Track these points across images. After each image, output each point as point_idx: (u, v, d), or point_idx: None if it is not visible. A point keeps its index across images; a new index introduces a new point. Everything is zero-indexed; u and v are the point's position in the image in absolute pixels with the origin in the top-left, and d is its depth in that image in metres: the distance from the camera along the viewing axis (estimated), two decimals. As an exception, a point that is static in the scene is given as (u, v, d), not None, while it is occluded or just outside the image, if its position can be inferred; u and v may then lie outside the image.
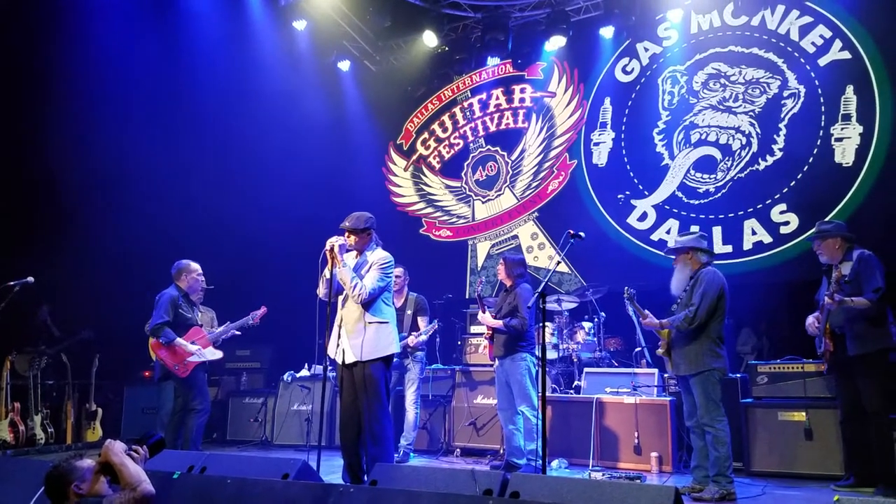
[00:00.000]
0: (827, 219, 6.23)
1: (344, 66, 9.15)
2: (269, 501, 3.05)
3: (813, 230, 4.74)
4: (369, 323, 4.20)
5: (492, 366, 6.28)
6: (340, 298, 4.37)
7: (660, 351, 4.71)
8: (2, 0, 6.58)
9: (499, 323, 5.25)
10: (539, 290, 3.67)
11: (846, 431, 4.53)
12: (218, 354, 5.51)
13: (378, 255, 4.32)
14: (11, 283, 5.49)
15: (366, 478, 4.08)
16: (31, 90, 7.00)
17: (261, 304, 5.81)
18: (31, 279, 5.48)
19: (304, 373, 7.25)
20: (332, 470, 4.97)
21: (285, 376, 7.25)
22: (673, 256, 4.77)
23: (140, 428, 7.24)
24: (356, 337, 4.19)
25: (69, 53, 6.97)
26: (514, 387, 5.19)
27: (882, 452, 4.29)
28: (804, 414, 4.98)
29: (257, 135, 8.48)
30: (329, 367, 7.23)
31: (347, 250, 4.38)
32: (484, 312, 5.46)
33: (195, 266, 5.54)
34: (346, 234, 4.34)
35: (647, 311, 4.64)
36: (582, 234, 3.91)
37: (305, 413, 6.85)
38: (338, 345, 4.29)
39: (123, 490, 2.57)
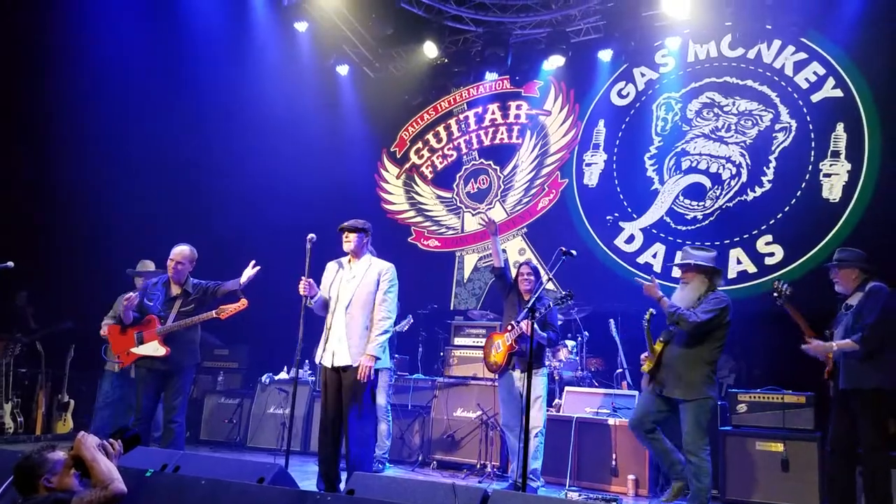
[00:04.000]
0: (807, 257, 6.37)
1: (343, 70, 9.16)
2: (244, 505, 2.99)
3: (833, 256, 4.57)
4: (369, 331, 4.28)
5: (474, 378, 6.28)
6: (337, 304, 4.31)
7: (645, 367, 4.53)
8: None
9: (542, 334, 4.95)
10: (529, 305, 3.66)
11: (829, 464, 4.47)
12: (159, 352, 4.78)
13: (382, 270, 4.36)
14: (-8, 266, 5.38)
15: (342, 486, 4.05)
16: (24, 85, 6.95)
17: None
18: (10, 263, 5.33)
19: (283, 375, 7.17)
20: (305, 476, 4.91)
21: (263, 378, 7.17)
22: (683, 270, 4.48)
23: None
24: (361, 344, 4.20)
25: (66, 42, 6.92)
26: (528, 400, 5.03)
27: (876, 491, 4.14)
28: (782, 445, 5.00)
29: (251, 132, 8.44)
30: (310, 372, 7.19)
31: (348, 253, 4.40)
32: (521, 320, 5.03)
33: (173, 250, 5.04)
34: (345, 232, 4.37)
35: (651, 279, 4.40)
36: (574, 251, 3.92)
37: (282, 417, 6.77)
38: (325, 349, 4.27)
39: (94, 487, 2.51)
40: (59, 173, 7.12)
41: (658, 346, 4.44)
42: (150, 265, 5.73)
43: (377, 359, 4.19)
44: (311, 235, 4.45)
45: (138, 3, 7.41)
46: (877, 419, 4.14)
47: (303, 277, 4.29)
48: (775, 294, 4.40)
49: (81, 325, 7.03)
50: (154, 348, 4.80)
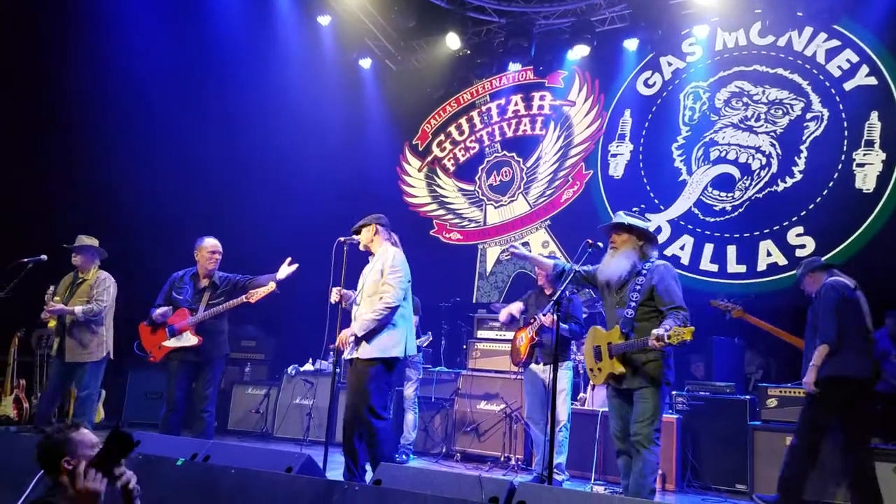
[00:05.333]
0: (838, 249, 6.38)
1: (365, 63, 9.16)
2: (272, 494, 3.03)
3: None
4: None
5: (497, 371, 6.28)
6: (357, 297, 4.34)
7: (621, 370, 3.68)
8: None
9: (564, 326, 4.85)
10: (555, 298, 3.63)
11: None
12: (191, 341, 4.88)
13: (386, 258, 4.27)
14: (25, 259, 5.50)
15: (367, 476, 4.07)
16: (52, 85, 7.08)
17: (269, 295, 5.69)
18: (44, 257, 5.48)
19: (308, 367, 7.23)
20: (331, 466, 4.94)
21: (289, 369, 7.24)
22: (612, 233, 3.87)
23: (143, 412, 7.23)
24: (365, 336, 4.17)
25: (92, 40, 7.03)
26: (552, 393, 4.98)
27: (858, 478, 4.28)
28: (812, 440, 4.91)
29: (275, 126, 8.50)
30: (333, 363, 7.24)
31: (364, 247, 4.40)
32: (545, 315, 4.97)
33: (207, 243, 5.09)
34: (354, 234, 4.40)
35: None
36: (600, 244, 3.86)
37: (307, 407, 6.83)
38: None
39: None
40: (88, 172, 7.25)
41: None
42: (86, 240, 5.65)
43: (356, 336, 4.05)
44: (348, 238, 4.47)
45: (162, 0, 7.50)
46: (829, 405, 4.31)
47: (334, 289, 4.33)
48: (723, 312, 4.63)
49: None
50: (187, 338, 4.88)
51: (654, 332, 3.41)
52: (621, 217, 3.84)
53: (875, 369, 4.36)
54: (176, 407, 4.85)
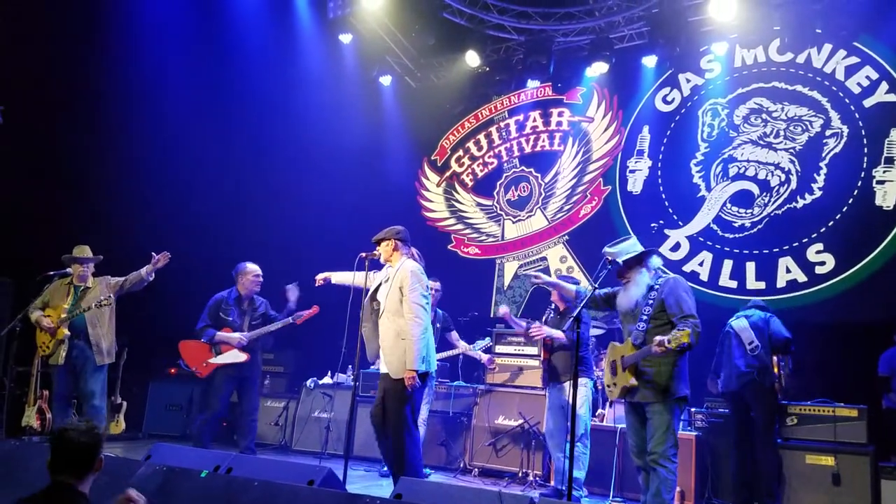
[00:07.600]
0: (859, 266, 6.42)
1: (385, 80, 9.27)
2: (295, 507, 3.07)
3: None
4: (402, 339, 4.22)
5: (515, 385, 6.29)
6: (373, 307, 4.42)
7: (633, 382, 3.81)
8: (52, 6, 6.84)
9: (560, 334, 4.95)
10: (574, 314, 3.66)
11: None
12: (241, 357, 5.54)
13: (403, 276, 4.28)
14: (51, 272, 5.66)
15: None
16: (78, 94, 7.26)
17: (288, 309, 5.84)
18: (69, 269, 5.64)
19: (327, 380, 7.29)
20: (351, 480, 4.97)
21: (308, 382, 7.30)
22: (620, 273, 4.01)
23: (163, 424, 7.33)
24: (391, 354, 4.24)
25: (117, 60, 7.23)
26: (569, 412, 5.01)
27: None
28: (832, 458, 4.88)
29: (297, 142, 8.64)
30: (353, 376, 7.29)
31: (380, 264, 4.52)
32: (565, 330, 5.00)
33: (250, 268, 5.72)
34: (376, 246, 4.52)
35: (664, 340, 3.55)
36: (620, 260, 3.89)
37: (325, 420, 6.88)
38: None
39: None
40: (105, 181, 7.40)
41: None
42: (86, 250, 5.81)
43: (417, 371, 4.13)
44: (369, 254, 4.60)
45: (187, 19, 7.67)
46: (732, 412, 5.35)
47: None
48: None
49: (134, 329, 7.28)
50: (235, 356, 5.49)
51: (657, 338, 3.56)
52: (612, 254, 3.95)
53: (737, 382, 5.18)
54: (217, 415, 5.47)
